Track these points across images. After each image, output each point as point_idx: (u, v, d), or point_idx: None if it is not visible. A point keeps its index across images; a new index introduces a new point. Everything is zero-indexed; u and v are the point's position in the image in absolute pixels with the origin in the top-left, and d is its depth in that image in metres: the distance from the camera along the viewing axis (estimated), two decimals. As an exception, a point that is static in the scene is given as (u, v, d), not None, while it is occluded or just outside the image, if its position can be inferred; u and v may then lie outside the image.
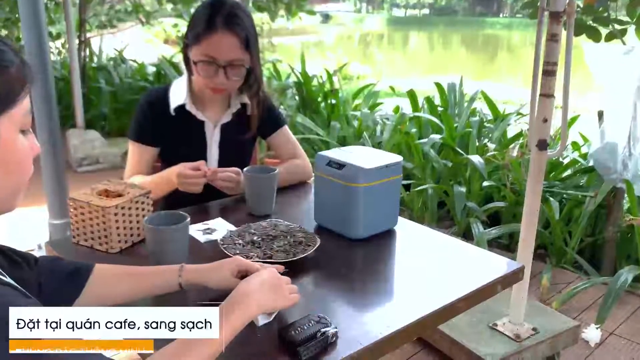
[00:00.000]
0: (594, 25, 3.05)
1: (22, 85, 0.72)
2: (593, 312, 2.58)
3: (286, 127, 1.88)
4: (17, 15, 6.37)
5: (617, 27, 3.03)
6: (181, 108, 1.69)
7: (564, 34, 1.92)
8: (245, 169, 1.57)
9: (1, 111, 0.70)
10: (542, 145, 1.97)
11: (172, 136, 1.71)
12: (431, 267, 1.30)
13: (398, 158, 1.45)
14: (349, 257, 1.36)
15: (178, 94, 1.70)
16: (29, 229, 3.49)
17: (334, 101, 4.93)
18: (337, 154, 1.46)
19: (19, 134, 0.74)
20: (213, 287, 1.06)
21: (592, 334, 2.41)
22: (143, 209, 1.37)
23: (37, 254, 3.27)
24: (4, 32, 7.39)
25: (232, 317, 0.86)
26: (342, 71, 7.40)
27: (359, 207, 1.37)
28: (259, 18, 6.05)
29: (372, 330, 1.01)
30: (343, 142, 4.41)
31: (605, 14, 3.04)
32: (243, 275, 1.04)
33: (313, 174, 1.78)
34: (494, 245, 3.30)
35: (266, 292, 0.94)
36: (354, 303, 1.16)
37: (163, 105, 1.69)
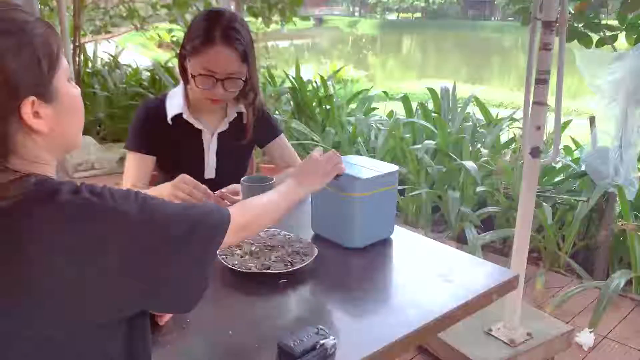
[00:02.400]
0: (585, 31, 3.10)
1: (59, 42, 0.81)
2: (586, 316, 2.60)
3: (283, 136, 1.89)
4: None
5: (608, 33, 3.07)
6: (178, 117, 1.70)
7: (556, 40, 1.95)
8: (242, 179, 1.58)
9: (54, 70, 0.79)
10: (535, 152, 2.00)
11: (170, 145, 1.72)
12: (428, 276, 1.32)
13: (394, 167, 1.47)
14: (346, 267, 1.37)
15: (175, 103, 1.71)
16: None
17: (328, 107, 4.94)
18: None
19: (68, 82, 0.84)
20: None
21: (585, 338, 2.44)
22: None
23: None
24: None
25: (293, 190, 1.17)
26: (337, 75, 7.43)
27: (355, 216, 1.39)
28: (253, 23, 6.06)
29: (370, 341, 1.02)
30: (338, 147, 4.43)
31: (596, 20, 3.08)
32: None
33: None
34: (487, 249, 3.32)
35: (315, 174, 1.23)
36: (352, 313, 1.17)
37: (160, 114, 1.70)
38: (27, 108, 0.74)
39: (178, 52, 1.71)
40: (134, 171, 1.70)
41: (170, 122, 1.69)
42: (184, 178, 1.50)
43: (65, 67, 0.82)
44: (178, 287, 0.81)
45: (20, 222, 0.71)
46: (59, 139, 0.82)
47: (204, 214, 0.87)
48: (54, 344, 0.73)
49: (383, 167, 1.46)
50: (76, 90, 0.86)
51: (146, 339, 0.85)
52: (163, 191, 1.57)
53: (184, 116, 1.69)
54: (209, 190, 1.51)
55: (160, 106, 1.72)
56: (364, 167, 1.49)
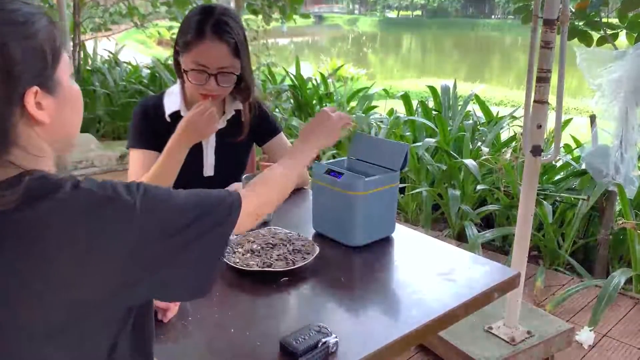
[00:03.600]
0: (586, 29, 3.09)
1: (60, 37, 0.81)
2: (586, 314, 2.61)
3: (282, 134, 1.89)
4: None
5: (609, 31, 3.07)
6: (176, 114, 1.69)
7: (557, 38, 1.95)
8: (243, 177, 1.58)
9: (57, 61, 0.79)
10: (536, 151, 2.00)
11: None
12: (429, 275, 1.32)
13: (403, 148, 1.46)
14: (348, 265, 1.37)
15: (173, 100, 1.71)
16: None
17: (328, 104, 4.95)
18: (334, 163, 1.48)
19: (70, 77, 0.84)
20: None
21: (585, 336, 2.44)
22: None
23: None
24: None
25: (300, 155, 1.18)
26: (337, 73, 7.43)
27: (357, 215, 1.39)
28: (254, 20, 6.06)
29: (372, 339, 1.03)
30: (338, 145, 4.43)
31: (597, 19, 3.08)
32: None
33: (310, 180, 1.80)
34: (487, 247, 3.33)
35: (323, 132, 1.24)
36: (354, 312, 1.17)
37: (158, 111, 1.70)
38: (30, 98, 0.75)
39: (173, 48, 1.70)
40: (138, 169, 1.68)
41: (168, 119, 1.69)
42: (190, 115, 1.53)
43: (66, 62, 0.83)
44: (186, 276, 0.81)
45: (25, 218, 0.71)
46: (59, 132, 0.82)
47: (212, 201, 0.86)
48: (60, 341, 0.73)
49: (389, 154, 1.46)
50: (77, 87, 0.86)
51: (149, 339, 0.85)
52: (174, 141, 1.56)
53: (182, 113, 1.69)
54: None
55: (158, 104, 1.72)
56: (368, 161, 1.49)
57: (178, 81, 1.72)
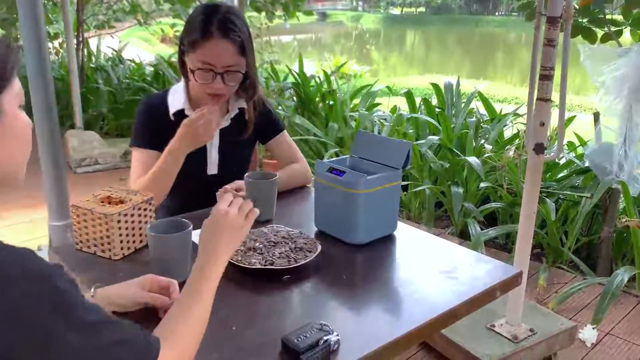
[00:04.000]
0: (590, 26, 3.08)
1: (13, 62, 0.77)
2: (589, 312, 2.60)
3: (285, 132, 1.89)
4: (15, 15, 6.35)
5: (613, 28, 3.05)
6: (180, 113, 1.70)
7: (560, 35, 1.94)
8: (246, 175, 1.59)
9: (5, 87, 0.75)
10: (539, 149, 1.99)
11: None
12: (431, 273, 1.32)
13: (407, 146, 1.46)
14: (350, 263, 1.37)
15: (177, 99, 1.71)
16: (29, 231, 3.50)
17: (331, 102, 4.94)
18: (337, 161, 1.48)
19: (19, 108, 0.79)
20: (126, 303, 1.06)
21: (588, 334, 2.44)
22: (145, 216, 1.39)
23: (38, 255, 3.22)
24: (1, 32, 7.37)
25: (211, 275, 0.95)
26: (340, 70, 7.42)
27: (359, 213, 1.39)
28: (257, 18, 6.05)
29: (373, 337, 1.03)
30: (341, 143, 4.43)
31: (601, 15, 3.07)
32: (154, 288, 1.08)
33: (312, 178, 1.80)
34: (490, 245, 3.32)
35: (226, 237, 0.99)
36: (356, 310, 1.17)
37: (162, 110, 1.71)
38: None
39: (178, 47, 1.71)
40: (140, 168, 1.69)
41: (172, 117, 1.70)
42: (189, 120, 1.52)
43: (17, 91, 0.78)
44: None
45: None
46: None
47: (128, 354, 0.75)
48: None
49: (392, 152, 1.46)
50: (26, 120, 0.80)
51: None
52: (174, 145, 1.56)
53: (186, 112, 1.70)
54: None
55: (161, 102, 1.72)
56: (370, 159, 1.49)
57: (182, 80, 1.73)
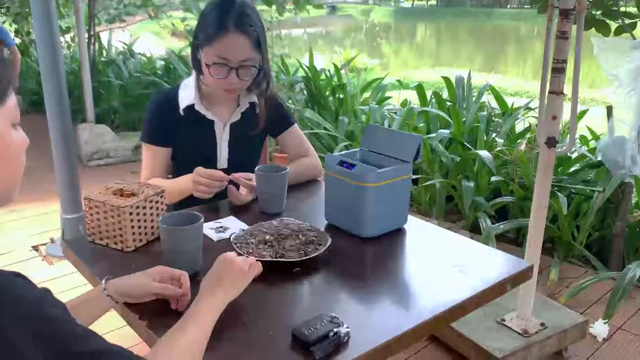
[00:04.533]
0: (604, 18, 3.04)
1: (8, 80, 0.74)
2: (601, 307, 2.59)
3: (296, 126, 1.89)
4: (27, 10, 6.40)
5: (627, 20, 3.02)
6: (190, 108, 1.70)
7: (573, 28, 1.92)
8: (256, 168, 1.59)
9: None
10: (551, 142, 1.98)
11: (183, 136, 1.73)
12: (441, 266, 1.32)
13: (416, 139, 1.46)
14: (360, 256, 1.38)
15: (187, 94, 1.72)
16: (43, 223, 3.53)
17: (342, 96, 4.93)
18: (347, 154, 1.48)
19: (11, 128, 0.76)
20: (137, 294, 1.08)
21: (599, 328, 2.43)
22: (157, 208, 1.40)
23: (50, 247, 3.32)
24: (14, 27, 7.43)
25: (202, 310, 0.97)
26: (350, 64, 7.39)
27: (369, 206, 1.39)
28: (267, 11, 6.04)
29: (383, 330, 1.03)
30: (351, 137, 4.42)
31: (615, 8, 3.03)
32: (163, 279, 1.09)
33: (323, 171, 1.80)
34: (501, 239, 3.31)
35: (226, 282, 1.03)
36: (366, 302, 1.18)
37: (173, 106, 1.71)
38: None
39: (192, 41, 1.71)
40: (150, 163, 1.72)
41: (182, 113, 1.70)
42: (198, 171, 1.56)
43: (10, 108, 0.75)
44: None
45: None
46: None
47: None
48: None
49: (402, 146, 1.46)
50: (17, 139, 0.77)
51: None
52: (182, 185, 1.60)
53: (196, 107, 1.70)
54: (223, 174, 1.56)
55: (172, 97, 1.73)
56: (381, 152, 1.49)
57: (193, 74, 1.73)
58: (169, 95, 1.74)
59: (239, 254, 1.27)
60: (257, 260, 1.24)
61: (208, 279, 1.05)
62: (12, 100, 0.75)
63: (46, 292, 0.74)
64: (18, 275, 0.72)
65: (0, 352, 0.66)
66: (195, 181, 1.54)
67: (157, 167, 1.72)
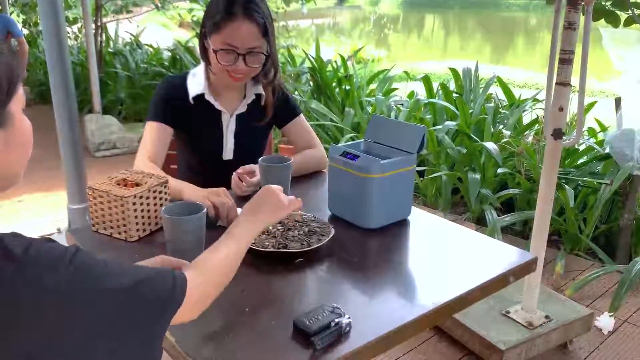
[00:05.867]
0: (613, 9, 3.01)
1: (19, 69, 0.78)
2: (607, 300, 2.58)
3: (302, 116, 1.89)
4: (35, 0, 6.41)
5: (637, 11, 2.98)
6: (200, 97, 1.70)
7: (581, 19, 1.90)
8: (260, 159, 1.59)
9: (12, 94, 0.75)
10: (558, 134, 1.97)
11: (189, 124, 1.72)
12: (444, 258, 1.31)
13: (420, 130, 1.45)
14: (363, 247, 1.37)
15: (196, 83, 1.71)
16: (49, 214, 3.56)
17: (348, 87, 4.91)
18: (351, 145, 1.47)
19: (22, 112, 0.80)
20: None
21: (605, 321, 2.42)
22: (161, 198, 1.40)
23: (57, 237, 3.33)
24: (22, 17, 7.45)
25: (235, 234, 1.05)
26: (357, 55, 7.36)
27: (372, 197, 1.39)
28: (274, 2, 6.02)
29: (385, 320, 1.03)
30: (357, 128, 4.41)
31: (625, -2, 2.99)
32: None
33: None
34: (507, 232, 3.30)
35: (265, 210, 1.11)
36: (368, 293, 1.18)
37: (181, 92, 1.71)
38: None
39: (198, 31, 1.70)
40: (150, 142, 1.67)
41: (192, 101, 1.70)
42: (224, 190, 1.47)
43: (22, 95, 0.79)
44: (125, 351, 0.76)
45: None
46: (1, 169, 0.77)
47: (154, 290, 0.80)
48: None
49: (406, 137, 1.45)
50: (28, 123, 0.81)
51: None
52: (192, 194, 1.50)
53: (206, 96, 1.70)
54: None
55: (182, 84, 1.72)
56: (385, 144, 1.49)
57: (201, 64, 1.73)
58: (179, 81, 1.74)
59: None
60: (260, 250, 1.25)
61: (250, 204, 1.12)
62: (21, 87, 0.79)
63: (77, 248, 0.77)
64: (50, 240, 0.76)
65: (53, 310, 0.69)
66: (214, 193, 1.45)
67: (158, 147, 1.68)
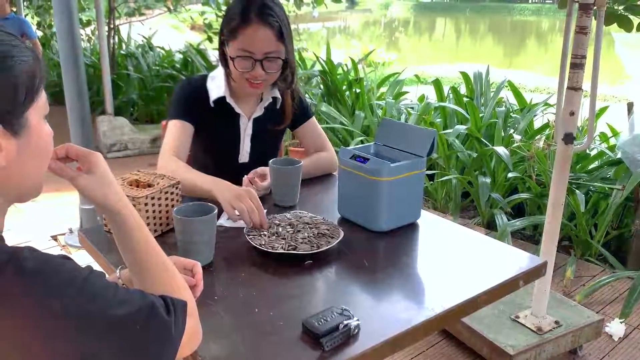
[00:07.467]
0: (626, 13, 2.99)
1: (41, 76, 0.76)
2: (617, 306, 2.56)
3: (314, 119, 1.90)
4: (49, 2, 6.48)
5: (650, 16, 2.96)
6: (222, 100, 1.71)
7: (593, 23, 1.90)
8: (270, 161, 1.60)
9: (31, 102, 0.74)
10: (569, 138, 1.96)
11: (208, 126, 1.72)
12: (453, 261, 1.32)
13: (431, 134, 1.46)
14: (372, 250, 1.38)
15: (217, 85, 1.72)
16: (61, 214, 3.59)
17: (358, 90, 4.92)
18: (361, 148, 1.48)
19: (42, 121, 0.79)
20: None
21: (615, 328, 2.40)
22: (172, 199, 1.41)
23: (69, 237, 3.36)
24: (37, 19, 7.53)
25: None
26: (368, 59, 7.37)
27: (382, 200, 1.39)
28: (285, 5, 6.04)
29: (393, 323, 1.03)
30: (367, 131, 4.42)
31: (638, 3, 2.97)
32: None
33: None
34: (518, 236, 3.29)
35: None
36: (377, 295, 1.18)
37: (203, 93, 1.71)
38: None
39: (218, 38, 1.71)
40: (174, 139, 1.66)
41: (212, 104, 1.71)
42: (249, 193, 1.42)
43: (43, 103, 0.77)
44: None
45: None
46: (14, 180, 0.74)
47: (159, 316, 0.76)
48: None
49: (416, 140, 1.46)
50: (48, 131, 0.79)
51: None
52: (205, 187, 1.50)
53: (227, 100, 1.71)
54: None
55: (202, 85, 1.73)
56: (395, 147, 1.49)
57: (220, 68, 1.73)
58: (199, 82, 1.74)
59: (253, 247, 1.29)
60: (270, 251, 1.26)
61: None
62: (44, 94, 0.77)
63: (90, 269, 0.76)
64: (66, 258, 0.74)
65: (62, 329, 0.68)
66: (240, 197, 1.40)
67: (182, 144, 1.67)
